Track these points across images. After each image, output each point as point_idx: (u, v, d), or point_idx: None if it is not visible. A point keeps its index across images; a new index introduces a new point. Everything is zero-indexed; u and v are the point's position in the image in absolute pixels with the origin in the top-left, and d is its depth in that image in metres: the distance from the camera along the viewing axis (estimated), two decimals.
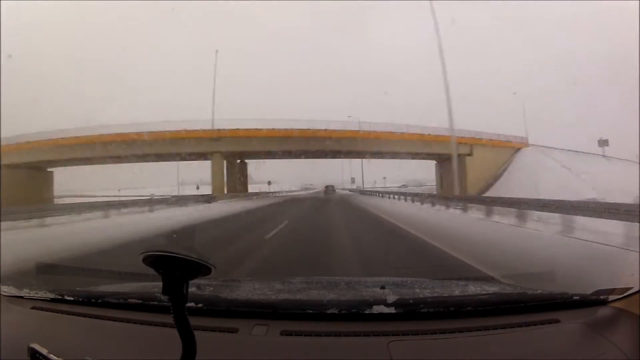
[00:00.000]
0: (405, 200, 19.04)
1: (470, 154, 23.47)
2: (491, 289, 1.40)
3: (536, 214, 8.31)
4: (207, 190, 26.28)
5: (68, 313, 1.24)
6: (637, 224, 5.09)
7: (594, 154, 23.69)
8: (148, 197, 19.74)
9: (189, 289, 0.71)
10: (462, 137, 21.96)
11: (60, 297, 1.31)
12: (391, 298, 1.14)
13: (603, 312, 1.11)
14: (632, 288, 1.13)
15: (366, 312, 1.11)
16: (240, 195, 26.77)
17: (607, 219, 6.04)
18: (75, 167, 27.55)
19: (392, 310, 1.10)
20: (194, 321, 0.72)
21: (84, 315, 1.22)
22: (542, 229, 7.08)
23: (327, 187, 39.83)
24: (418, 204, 16.74)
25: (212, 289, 1.38)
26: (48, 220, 10.23)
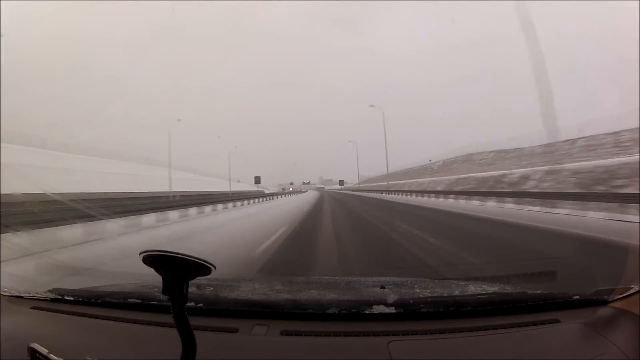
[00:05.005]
0: None
1: None
2: (491, 289, 1.40)
3: None
4: None
5: (68, 313, 1.24)
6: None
7: None
8: None
9: (189, 289, 0.71)
10: None
11: (60, 297, 1.31)
12: (391, 298, 1.14)
13: (603, 312, 1.11)
14: (632, 288, 1.13)
15: (366, 312, 1.11)
16: None
17: None
18: None
19: (392, 310, 1.10)
20: (194, 321, 0.73)
21: (84, 315, 1.22)
22: None
23: None
24: None
25: (212, 289, 1.38)
26: None
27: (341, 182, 59.91)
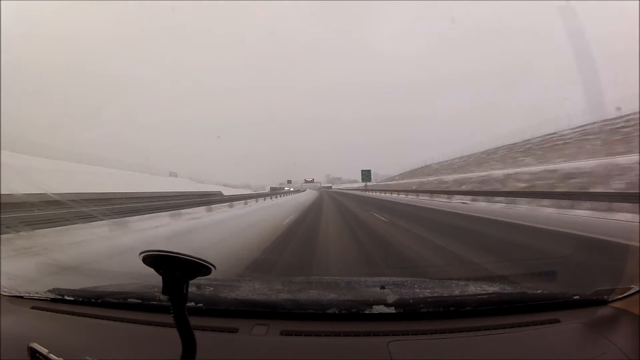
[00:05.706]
0: None
1: None
2: (491, 288, 1.40)
3: None
4: None
5: (68, 313, 1.24)
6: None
7: None
8: None
9: (189, 289, 0.71)
10: None
11: (60, 297, 1.31)
12: (391, 298, 1.14)
13: (603, 312, 1.11)
14: (632, 288, 1.13)
15: (366, 312, 1.11)
16: None
17: None
18: None
19: (392, 310, 1.10)
20: (194, 321, 0.73)
21: (84, 315, 1.22)
22: None
23: None
24: None
25: (212, 289, 1.38)
26: None
27: (366, 175, 39.35)
